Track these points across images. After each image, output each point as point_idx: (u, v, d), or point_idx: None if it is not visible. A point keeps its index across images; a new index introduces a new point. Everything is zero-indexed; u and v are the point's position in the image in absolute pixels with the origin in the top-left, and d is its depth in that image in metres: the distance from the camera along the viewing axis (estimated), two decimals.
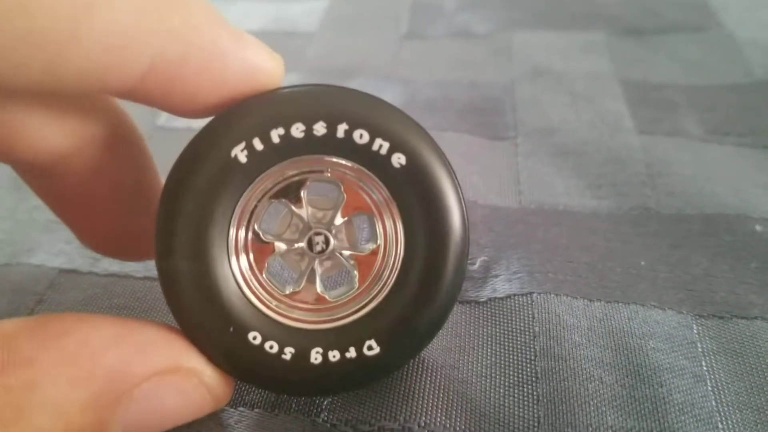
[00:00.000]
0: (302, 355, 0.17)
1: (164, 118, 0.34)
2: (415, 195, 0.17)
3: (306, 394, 0.19)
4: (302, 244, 0.19)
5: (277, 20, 0.44)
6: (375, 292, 0.18)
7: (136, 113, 0.19)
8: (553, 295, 0.22)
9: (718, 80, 0.35)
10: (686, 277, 0.23)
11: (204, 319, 0.17)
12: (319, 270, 0.19)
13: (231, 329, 0.17)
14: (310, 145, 0.17)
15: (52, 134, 0.17)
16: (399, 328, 0.17)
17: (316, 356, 0.17)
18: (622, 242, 0.25)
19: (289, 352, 0.17)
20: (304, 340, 0.18)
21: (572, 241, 0.25)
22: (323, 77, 0.37)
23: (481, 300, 0.23)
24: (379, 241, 0.18)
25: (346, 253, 0.19)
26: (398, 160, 0.17)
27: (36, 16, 0.13)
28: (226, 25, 0.16)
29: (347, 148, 0.17)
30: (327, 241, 0.18)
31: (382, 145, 0.17)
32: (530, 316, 0.22)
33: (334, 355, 0.17)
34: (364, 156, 0.17)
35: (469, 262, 0.24)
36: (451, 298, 0.18)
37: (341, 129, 0.17)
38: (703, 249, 0.24)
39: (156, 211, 0.18)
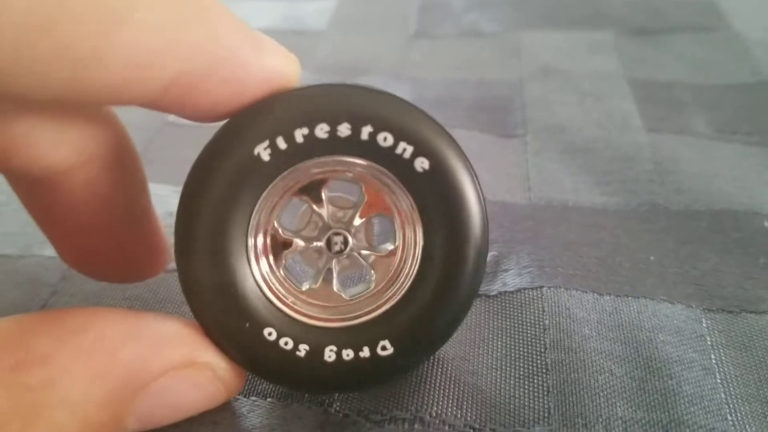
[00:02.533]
0: (316, 353, 0.17)
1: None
2: (437, 200, 0.17)
3: (318, 391, 0.19)
4: (321, 244, 0.19)
5: (286, 19, 0.44)
6: (391, 293, 0.18)
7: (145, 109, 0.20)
8: (562, 289, 0.22)
9: (725, 79, 0.35)
10: (695, 272, 0.23)
11: (221, 314, 0.17)
12: (336, 268, 0.19)
13: (247, 325, 0.17)
14: (334, 145, 0.17)
15: (53, 148, 0.17)
16: (413, 331, 0.17)
17: (329, 354, 0.17)
18: (631, 238, 0.25)
19: (303, 350, 0.17)
20: (318, 337, 0.18)
21: (581, 236, 0.25)
22: (332, 76, 0.37)
23: (492, 294, 0.23)
24: (397, 243, 0.18)
25: (364, 252, 0.19)
26: (421, 164, 0.17)
27: (65, 33, 0.13)
28: (247, 31, 0.16)
29: (371, 150, 0.17)
30: (345, 242, 0.18)
31: (405, 149, 0.17)
32: (540, 309, 0.22)
33: (347, 354, 0.17)
34: (387, 159, 0.17)
35: None
36: (467, 303, 0.18)
37: (365, 131, 0.16)
38: (712, 245, 0.25)
39: (148, 224, 0.19)
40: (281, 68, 0.17)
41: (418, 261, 0.18)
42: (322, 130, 0.16)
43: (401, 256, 0.18)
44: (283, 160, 0.17)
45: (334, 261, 0.19)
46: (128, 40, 0.14)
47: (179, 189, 0.17)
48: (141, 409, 0.16)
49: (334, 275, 0.19)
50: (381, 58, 0.39)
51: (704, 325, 0.21)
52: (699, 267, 0.24)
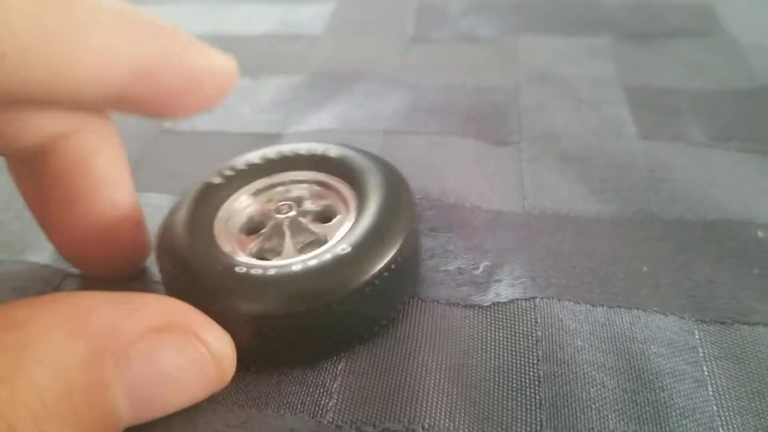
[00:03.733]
0: (285, 267, 0.20)
1: (170, 121, 0.34)
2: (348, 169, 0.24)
3: (289, 307, 0.20)
4: (273, 215, 0.23)
5: (283, 23, 0.44)
6: (344, 228, 0.22)
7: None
8: (555, 300, 0.22)
9: (721, 85, 0.35)
10: (688, 283, 0.23)
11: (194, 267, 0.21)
12: (292, 242, 0.23)
13: (219, 268, 0.20)
14: (269, 166, 0.25)
15: (37, 127, 0.20)
16: (367, 234, 0.21)
17: (297, 266, 0.20)
18: (625, 247, 0.25)
19: (273, 268, 0.20)
20: (284, 262, 0.21)
21: (575, 246, 0.25)
22: (328, 81, 0.37)
23: (485, 304, 0.23)
24: (340, 213, 0.23)
25: (313, 226, 0.23)
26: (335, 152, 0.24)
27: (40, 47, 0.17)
28: (192, 40, 0.20)
29: (297, 159, 0.25)
30: (292, 207, 0.24)
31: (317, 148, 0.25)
32: (533, 320, 0.22)
33: (312, 262, 0.20)
34: (309, 160, 0.25)
35: (472, 266, 0.24)
36: (410, 213, 0.22)
37: (287, 149, 0.25)
38: (706, 255, 0.25)
39: (132, 212, 0.23)
40: (223, 64, 0.21)
41: (356, 208, 0.23)
42: (257, 157, 0.25)
43: (345, 216, 0.23)
44: (232, 183, 0.24)
45: (287, 236, 0.23)
46: (93, 44, 0.18)
47: (175, 198, 0.22)
48: (126, 375, 0.16)
49: (292, 246, 0.23)
50: (377, 63, 0.39)
51: (697, 336, 0.21)
52: (692, 277, 0.24)
